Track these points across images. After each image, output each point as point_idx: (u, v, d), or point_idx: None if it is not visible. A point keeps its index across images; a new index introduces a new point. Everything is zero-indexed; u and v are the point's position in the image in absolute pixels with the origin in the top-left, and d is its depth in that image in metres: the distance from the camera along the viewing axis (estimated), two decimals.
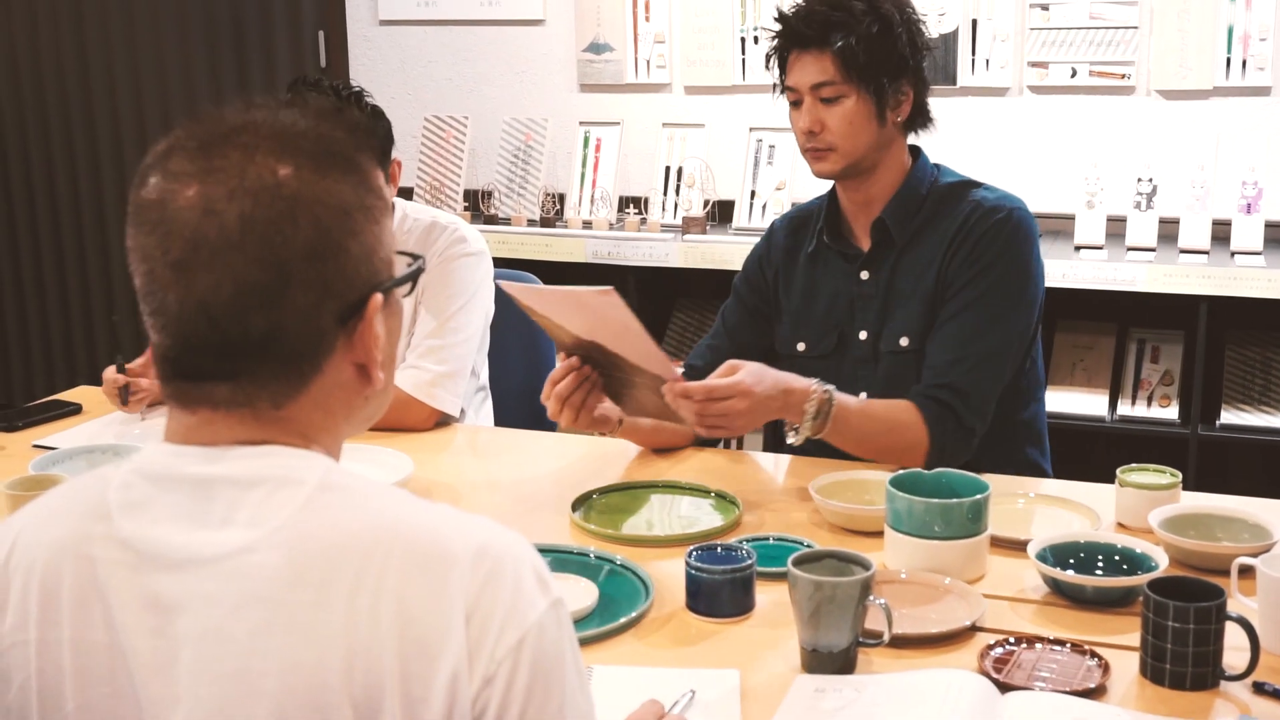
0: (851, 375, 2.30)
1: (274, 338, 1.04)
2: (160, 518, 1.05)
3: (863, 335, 2.29)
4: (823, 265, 2.34)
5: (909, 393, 2.20)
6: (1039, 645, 1.62)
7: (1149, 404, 3.66)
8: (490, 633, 1.01)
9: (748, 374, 2.03)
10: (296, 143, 1.06)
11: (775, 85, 2.29)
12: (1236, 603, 1.66)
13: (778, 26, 2.25)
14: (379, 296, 1.09)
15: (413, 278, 1.15)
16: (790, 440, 2.12)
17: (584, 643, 1.65)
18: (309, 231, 1.03)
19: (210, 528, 1.03)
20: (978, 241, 2.21)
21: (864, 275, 2.29)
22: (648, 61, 4.17)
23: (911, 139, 2.33)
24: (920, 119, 2.30)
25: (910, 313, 2.24)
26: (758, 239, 2.48)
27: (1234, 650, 1.55)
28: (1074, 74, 3.76)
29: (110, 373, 2.50)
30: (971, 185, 2.29)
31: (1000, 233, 2.21)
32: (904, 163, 2.29)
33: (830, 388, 2.10)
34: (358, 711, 1.00)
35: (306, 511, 1.03)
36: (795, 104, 2.25)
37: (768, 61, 2.28)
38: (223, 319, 1.02)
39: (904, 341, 2.24)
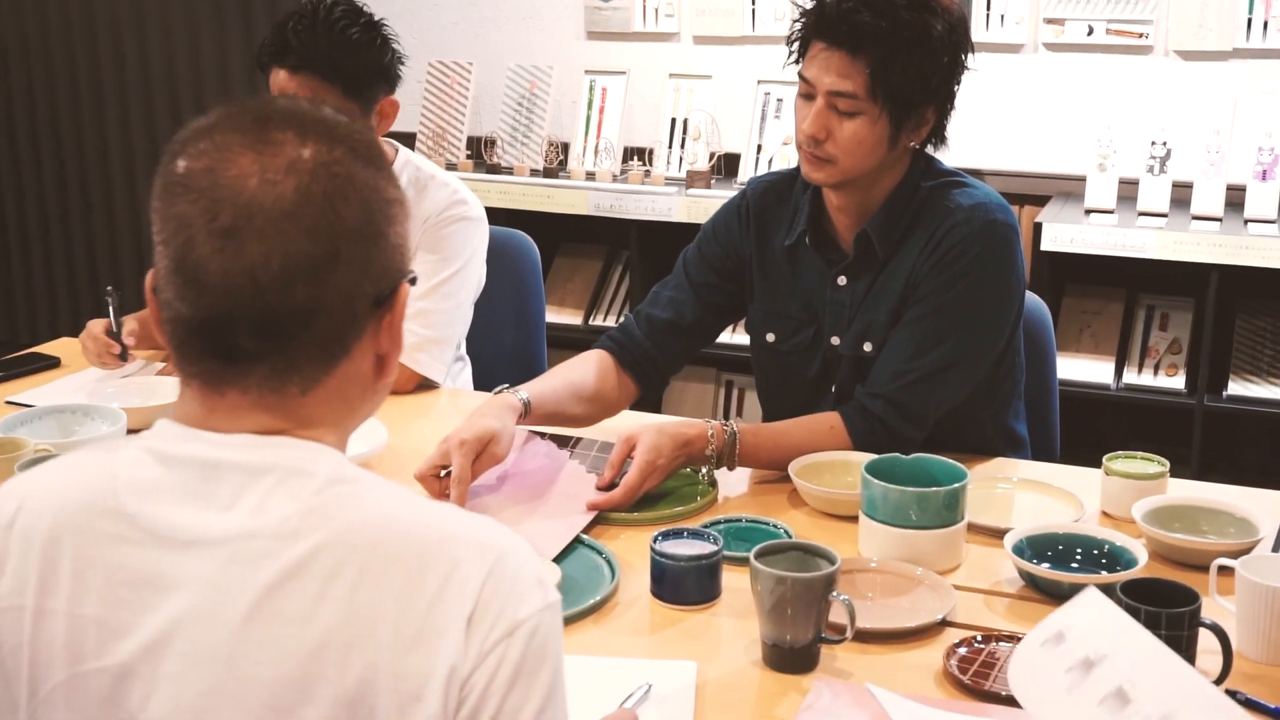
0: (821, 373, 2.21)
1: (315, 313, 1.05)
2: (166, 497, 1.05)
3: (834, 340, 2.17)
4: (801, 262, 2.20)
5: (847, 399, 2.13)
6: (1005, 644, 1.57)
7: (1155, 373, 3.60)
8: (484, 625, 1.02)
9: (647, 449, 1.94)
10: (341, 133, 1.09)
11: (790, 55, 2.09)
12: (1214, 604, 1.62)
13: (808, 6, 2.04)
14: (407, 285, 1.13)
15: (413, 281, 1.16)
16: (701, 478, 2.04)
17: None
18: (358, 211, 1.06)
19: (215, 510, 1.04)
20: (946, 253, 2.06)
21: (841, 281, 2.16)
22: (656, 10, 4.09)
23: None
24: (935, 139, 2.12)
25: (876, 319, 2.12)
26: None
27: (1208, 654, 1.50)
28: (1090, 32, 3.67)
29: (98, 330, 2.45)
30: (952, 186, 2.12)
31: (969, 247, 2.05)
32: (901, 173, 2.11)
33: (730, 424, 2.02)
34: (351, 705, 1.00)
35: (314, 504, 1.04)
36: (806, 97, 2.05)
37: (789, 41, 2.09)
38: (270, 289, 1.03)
39: (867, 347, 2.13)
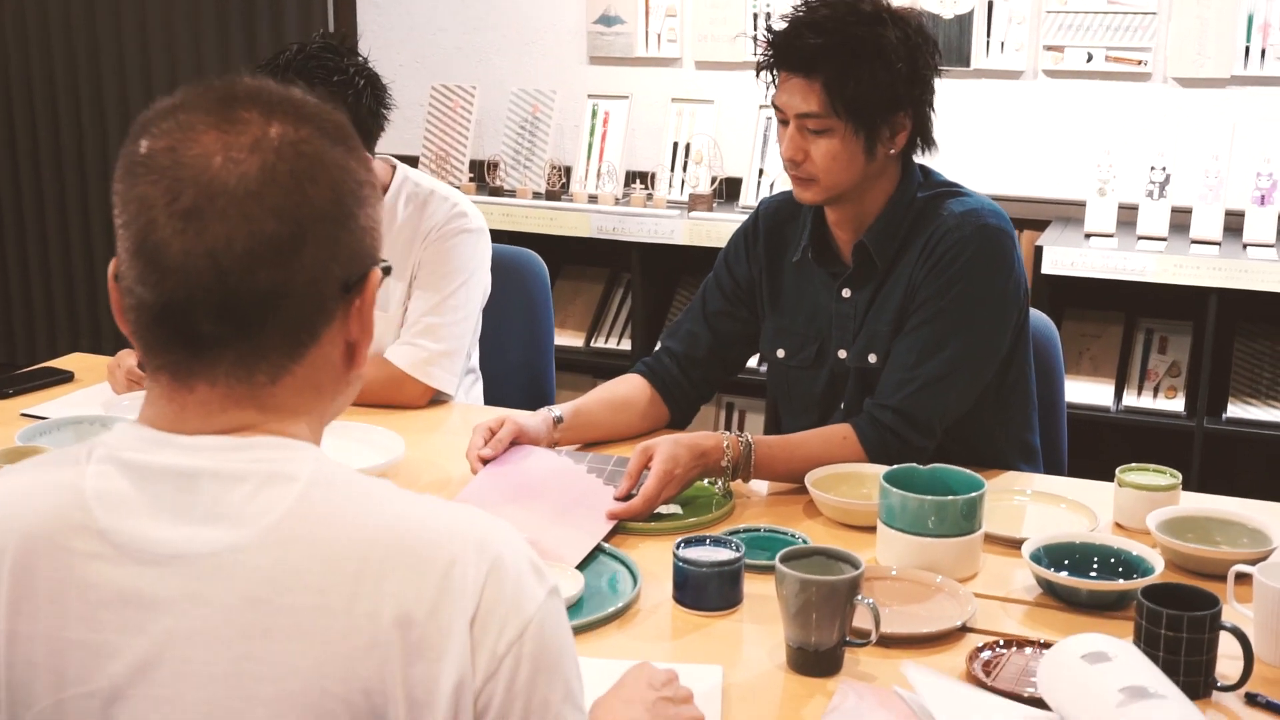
0: (829, 387, 2.25)
1: (280, 297, 1.01)
2: (141, 511, 1.00)
3: (841, 354, 2.21)
4: (806, 277, 2.25)
5: (855, 411, 2.16)
6: (1028, 649, 1.59)
7: (1155, 395, 3.62)
8: (491, 630, 0.99)
9: (664, 459, 1.97)
10: (310, 112, 1.05)
11: (766, 89, 2.15)
12: (1232, 610, 1.63)
13: (766, 40, 2.12)
14: (379, 271, 1.09)
15: (386, 274, 1.12)
16: (717, 490, 2.07)
17: None
18: (326, 192, 1.02)
19: (195, 523, 1.00)
20: (939, 260, 2.10)
21: (845, 293, 2.20)
22: (659, 35, 4.12)
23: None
24: (921, 145, 2.16)
25: (879, 330, 2.16)
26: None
27: (1228, 659, 1.52)
28: (1090, 59, 3.71)
29: (130, 362, 2.42)
30: (947, 195, 2.16)
31: (961, 252, 2.09)
32: (893, 183, 2.16)
33: (745, 435, 2.05)
34: (358, 718, 0.97)
35: (300, 509, 1.00)
36: (782, 123, 2.12)
37: (758, 72, 2.15)
38: (232, 271, 0.98)
39: (872, 358, 2.17)
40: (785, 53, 2.08)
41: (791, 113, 2.09)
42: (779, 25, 2.11)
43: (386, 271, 1.11)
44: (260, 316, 1.01)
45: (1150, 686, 1.28)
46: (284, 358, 1.04)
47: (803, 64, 2.06)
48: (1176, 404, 3.59)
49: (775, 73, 2.12)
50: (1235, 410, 3.52)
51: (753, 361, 2.41)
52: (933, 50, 2.12)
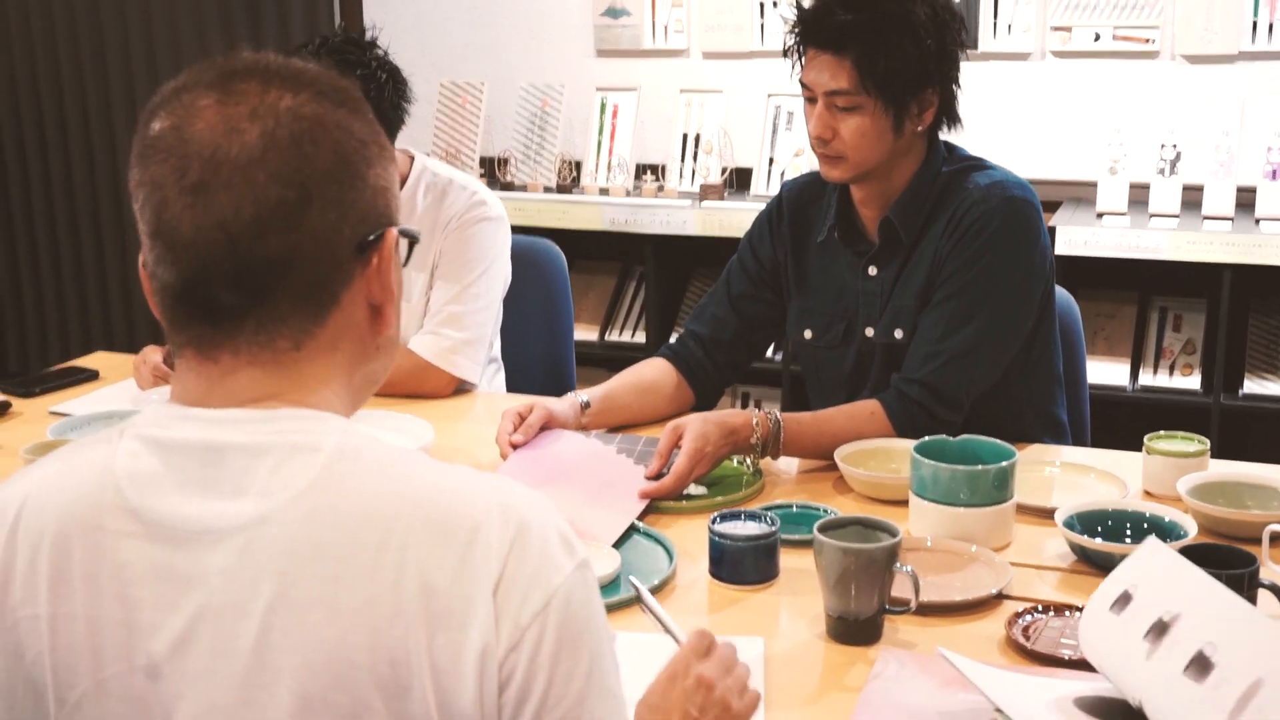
0: (856, 366, 2.26)
1: (292, 260, 1.01)
2: (169, 488, 1.01)
3: (868, 332, 2.22)
4: (832, 257, 2.26)
5: (882, 388, 2.16)
6: (1067, 613, 1.60)
7: (1171, 373, 3.63)
8: (514, 598, 0.98)
9: (694, 437, 1.98)
10: (309, 78, 1.06)
11: (792, 66, 2.16)
12: (1268, 570, 1.64)
13: (794, 17, 2.13)
14: (395, 231, 1.09)
15: (414, 241, 1.12)
16: (746, 468, 2.08)
17: (607, 610, 1.63)
18: (329, 153, 1.03)
19: (223, 497, 1.00)
20: (965, 233, 2.11)
21: (872, 271, 2.21)
22: (665, 26, 4.13)
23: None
24: (947, 122, 2.17)
25: (905, 305, 2.17)
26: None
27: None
28: (1097, 38, 3.72)
29: (156, 358, 2.43)
30: (972, 169, 2.18)
31: (987, 224, 2.10)
32: (919, 159, 2.17)
33: (774, 413, 2.06)
34: (384, 689, 0.97)
35: (323, 481, 1.00)
36: (810, 101, 2.13)
37: (786, 52, 2.16)
38: (242, 239, 0.99)
39: (898, 334, 2.18)
40: (815, 30, 2.09)
41: (820, 90, 2.09)
42: (807, 2, 2.12)
43: (409, 236, 1.11)
44: (275, 282, 1.01)
45: (1167, 613, 1.28)
46: (306, 322, 1.04)
47: (832, 41, 2.07)
48: (1193, 381, 3.59)
49: (803, 50, 2.12)
50: (1251, 386, 3.53)
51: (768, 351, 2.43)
52: (960, 26, 2.13)
